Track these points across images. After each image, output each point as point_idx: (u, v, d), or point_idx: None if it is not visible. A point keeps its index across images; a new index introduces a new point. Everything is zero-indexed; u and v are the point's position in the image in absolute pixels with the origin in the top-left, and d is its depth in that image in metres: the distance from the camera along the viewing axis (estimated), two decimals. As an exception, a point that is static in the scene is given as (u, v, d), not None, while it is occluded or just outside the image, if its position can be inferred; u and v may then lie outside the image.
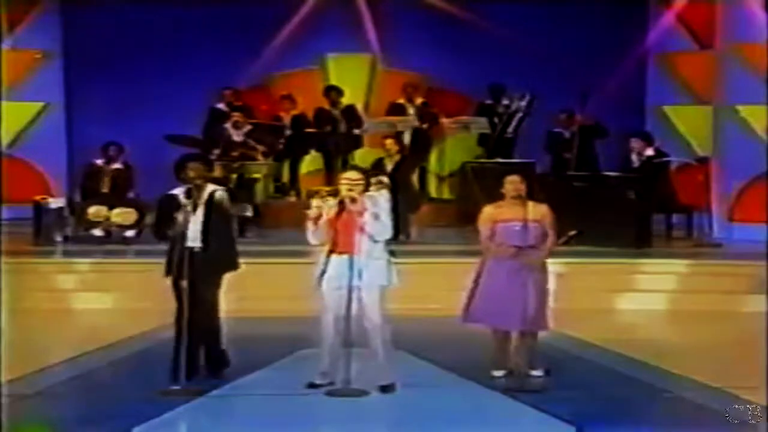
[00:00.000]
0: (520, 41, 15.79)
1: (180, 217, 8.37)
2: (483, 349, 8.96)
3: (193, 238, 8.43)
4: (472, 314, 8.77)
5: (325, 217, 8.15)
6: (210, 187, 8.64)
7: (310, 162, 16.41)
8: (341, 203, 8.19)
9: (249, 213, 8.54)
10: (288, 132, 15.91)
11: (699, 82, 15.96)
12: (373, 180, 8.78)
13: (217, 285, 8.63)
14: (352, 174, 8.28)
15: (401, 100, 15.97)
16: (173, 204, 8.48)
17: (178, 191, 8.58)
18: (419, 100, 15.93)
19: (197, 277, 8.40)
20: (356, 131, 15.83)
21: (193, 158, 8.79)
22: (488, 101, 15.90)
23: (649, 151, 14.00)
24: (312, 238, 8.25)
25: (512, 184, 8.64)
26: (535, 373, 8.69)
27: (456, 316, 9.09)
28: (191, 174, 8.54)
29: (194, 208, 8.45)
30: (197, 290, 8.45)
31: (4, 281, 11.48)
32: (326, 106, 15.93)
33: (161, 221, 8.62)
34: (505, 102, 15.73)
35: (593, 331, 10.46)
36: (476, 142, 16.06)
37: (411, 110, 15.83)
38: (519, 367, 8.65)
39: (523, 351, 8.74)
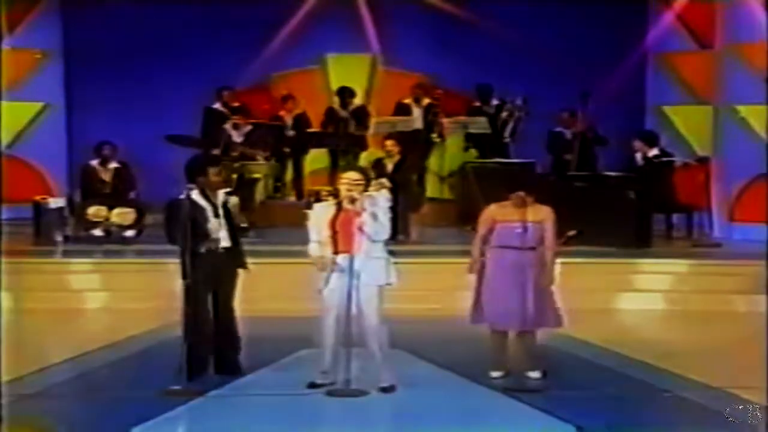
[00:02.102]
0: (520, 41, 15.80)
1: (204, 219, 8.44)
2: (483, 349, 8.95)
3: (223, 238, 8.54)
4: (478, 315, 8.77)
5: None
6: (222, 190, 8.74)
7: (315, 161, 16.40)
8: (340, 203, 8.20)
9: (245, 224, 8.63)
10: (290, 132, 15.91)
11: (699, 82, 15.96)
12: (373, 181, 8.79)
13: (234, 284, 8.77)
14: (351, 174, 8.28)
15: (408, 101, 15.94)
16: (189, 208, 8.40)
17: (195, 194, 8.53)
18: (426, 102, 15.89)
19: (220, 278, 8.55)
20: (359, 132, 15.79)
21: (213, 162, 8.82)
22: (476, 103, 15.89)
23: (654, 151, 14.03)
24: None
25: (517, 197, 8.66)
26: (532, 374, 8.68)
27: (456, 316, 9.10)
28: (216, 179, 8.61)
29: (216, 211, 8.54)
30: (224, 291, 8.60)
31: (4, 281, 11.48)
32: (336, 106, 15.93)
33: (175, 225, 8.52)
34: (495, 102, 15.73)
35: (593, 331, 10.46)
36: (464, 145, 16.04)
37: (416, 111, 15.80)
38: (516, 367, 8.66)
39: (520, 351, 8.75)
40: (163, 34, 16.25)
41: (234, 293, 8.76)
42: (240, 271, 8.79)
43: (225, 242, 8.58)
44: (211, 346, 8.59)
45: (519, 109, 15.46)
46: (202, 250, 8.42)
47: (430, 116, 15.69)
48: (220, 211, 8.60)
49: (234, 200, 8.63)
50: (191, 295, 8.40)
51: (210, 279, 8.50)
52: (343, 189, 8.19)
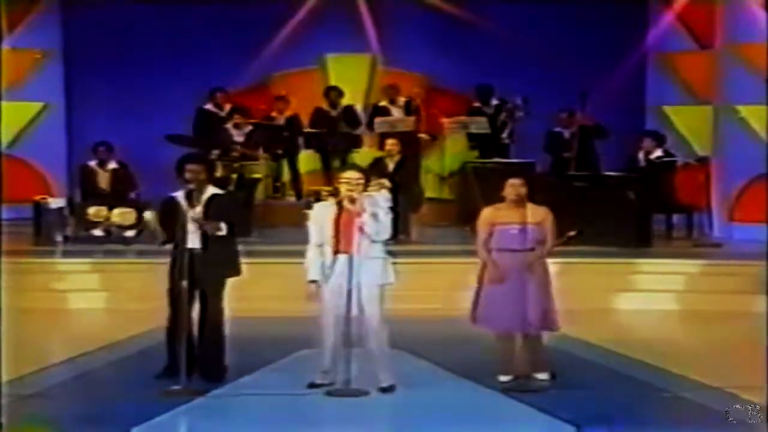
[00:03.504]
0: (520, 41, 15.80)
1: (180, 218, 8.36)
2: (483, 350, 8.95)
3: (193, 240, 8.41)
4: (479, 317, 8.68)
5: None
6: (210, 189, 8.62)
7: (309, 162, 16.40)
8: (340, 203, 8.19)
9: (222, 232, 8.49)
10: (285, 133, 15.90)
11: (699, 82, 15.96)
12: (373, 181, 8.78)
13: (219, 290, 8.59)
14: (351, 174, 8.27)
15: (384, 103, 15.92)
16: (173, 206, 8.46)
17: (179, 193, 8.55)
18: (402, 100, 15.87)
19: (198, 280, 8.40)
20: (355, 131, 15.78)
21: (191, 159, 8.74)
22: (476, 104, 15.89)
23: (658, 152, 14.07)
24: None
25: (512, 187, 8.51)
26: (540, 376, 8.60)
27: (456, 316, 9.09)
28: (187, 176, 8.51)
29: (192, 210, 8.42)
30: (198, 293, 8.45)
31: (4, 281, 11.47)
32: (325, 106, 15.91)
33: (164, 224, 8.56)
34: (495, 102, 15.74)
35: (593, 331, 10.46)
36: (468, 145, 16.05)
37: (396, 112, 15.78)
38: (524, 370, 8.62)
39: (527, 353, 8.69)
40: (163, 35, 16.25)
41: (216, 298, 8.55)
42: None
43: (194, 245, 8.41)
44: (189, 349, 8.37)
45: (518, 109, 15.44)
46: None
47: (412, 114, 15.66)
48: (199, 210, 8.42)
49: (197, 211, 8.41)
50: (171, 296, 8.44)
51: (191, 280, 8.33)
52: (342, 188, 8.18)
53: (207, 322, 8.57)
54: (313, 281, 8.26)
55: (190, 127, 15.51)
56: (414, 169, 14.40)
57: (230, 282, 8.72)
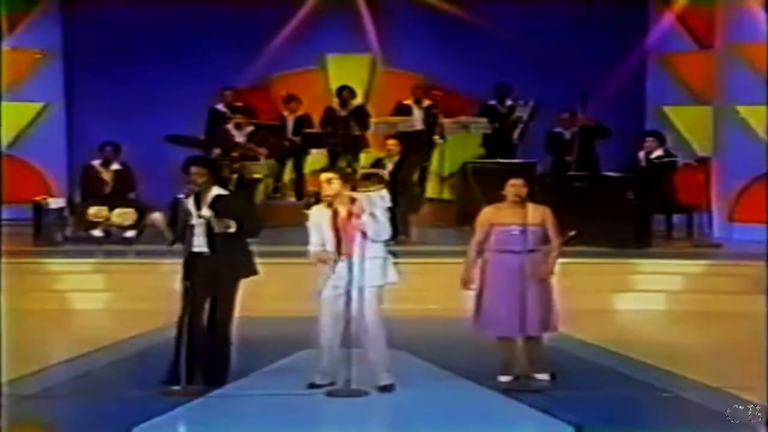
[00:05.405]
0: (521, 41, 15.80)
1: (185, 220, 8.35)
2: (483, 350, 8.95)
3: (200, 243, 8.40)
4: (480, 323, 8.66)
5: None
6: (215, 190, 8.59)
7: (315, 161, 16.38)
8: (331, 205, 8.21)
9: (232, 229, 8.44)
10: (291, 133, 15.89)
11: (699, 82, 15.96)
12: (371, 178, 8.79)
13: (232, 294, 8.53)
14: (325, 175, 8.28)
15: (408, 101, 15.91)
16: (181, 207, 8.43)
17: (184, 195, 8.53)
18: (426, 103, 15.86)
19: (208, 282, 8.36)
20: (358, 132, 15.74)
21: (193, 162, 8.72)
22: (492, 102, 15.88)
23: (659, 152, 14.08)
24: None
25: (513, 187, 8.47)
26: (540, 377, 8.59)
27: (456, 316, 9.09)
28: (192, 178, 8.50)
29: (199, 211, 8.41)
30: (207, 295, 8.43)
31: (4, 281, 11.48)
32: (336, 105, 15.88)
33: (172, 225, 8.53)
34: (509, 103, 15.74)
35: (593, 331, 10.46)
36: (480, 143, 16.06)
37: (417, 112, 15.76)
38: (525, 372, 8.61)
39: (527, 354, 8.67)
40: (163, 34, 16.24)
41: (225, 302, 8.49)
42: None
43: (201, 248, 8.38)
44: (193, 352, 8.33)
45: (524, 115, 15.47)
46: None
47: (431, 118, 15.66)
48: (205, 212, 8.38)
49: (209, 214, 8.42)
50: (182, 298, 8.40)
51: (201, 284, 8.31)
52: (323, 189, 8.20)
53: (216, 326, 8.52)
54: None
55: (194, 126, 15.48)
56: (414, 169, 14.38)
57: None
